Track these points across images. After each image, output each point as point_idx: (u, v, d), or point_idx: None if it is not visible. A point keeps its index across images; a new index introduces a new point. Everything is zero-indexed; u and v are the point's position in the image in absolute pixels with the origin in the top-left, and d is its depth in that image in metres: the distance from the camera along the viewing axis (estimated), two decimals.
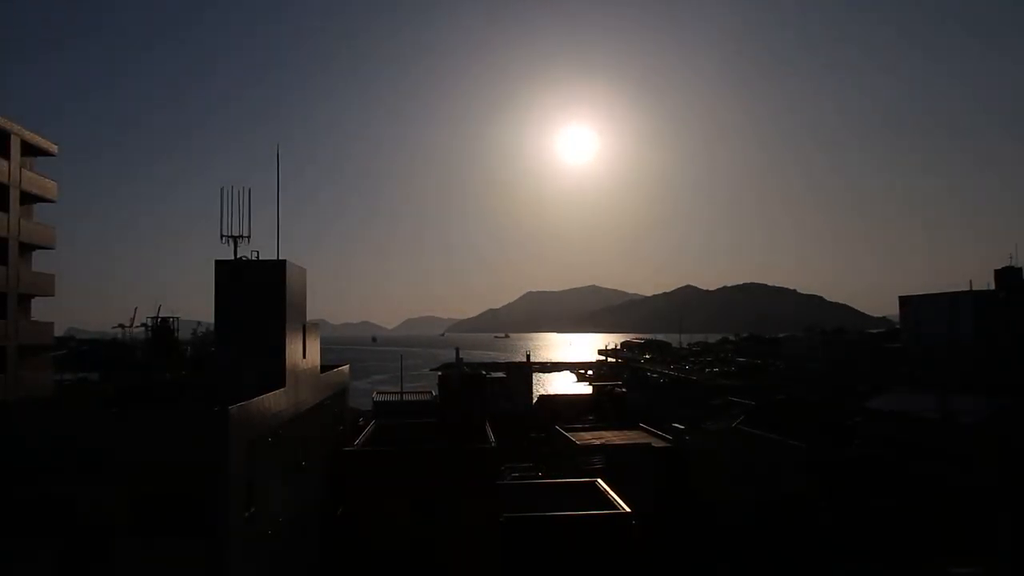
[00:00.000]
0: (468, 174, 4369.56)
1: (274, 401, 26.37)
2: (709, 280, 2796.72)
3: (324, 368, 36.53)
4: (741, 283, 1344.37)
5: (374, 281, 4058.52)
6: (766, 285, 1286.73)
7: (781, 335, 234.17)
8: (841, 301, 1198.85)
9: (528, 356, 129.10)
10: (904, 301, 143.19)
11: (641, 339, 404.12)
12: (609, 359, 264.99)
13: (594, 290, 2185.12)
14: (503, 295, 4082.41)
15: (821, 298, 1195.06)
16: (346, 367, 42.99)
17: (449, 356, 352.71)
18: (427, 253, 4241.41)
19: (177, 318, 53.95)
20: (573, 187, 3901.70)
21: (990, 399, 71.92)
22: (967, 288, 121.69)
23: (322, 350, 35.15)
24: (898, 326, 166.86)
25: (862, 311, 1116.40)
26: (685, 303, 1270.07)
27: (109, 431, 21.30)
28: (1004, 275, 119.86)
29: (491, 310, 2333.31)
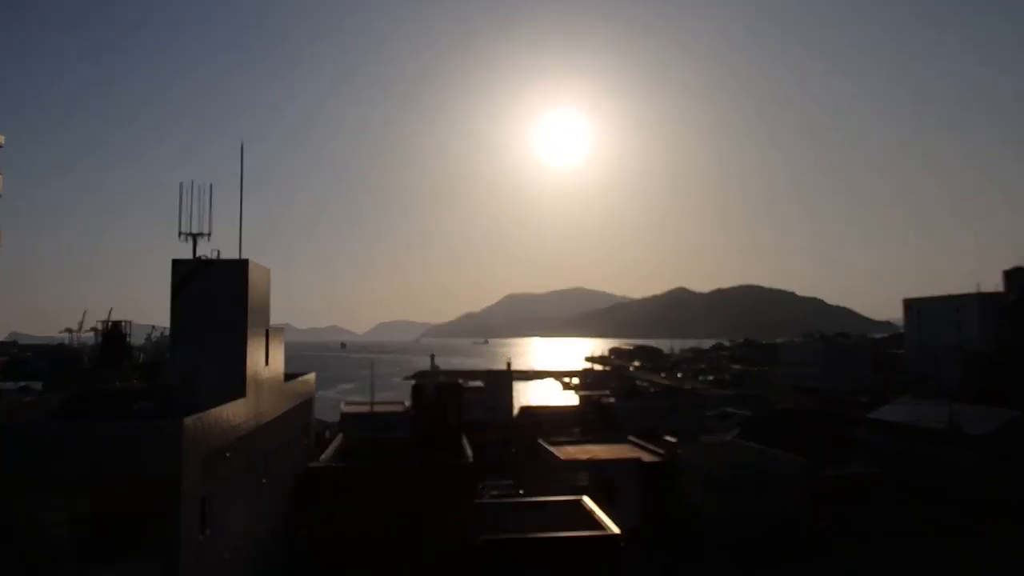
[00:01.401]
0: (444, 170, 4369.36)
1: (233, 412, 26.08)
2: (702, 282, 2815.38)
3: (288, 376, 36.22)
4: (736, 285, 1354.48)
5: (344, 283, 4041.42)
6: (762, 287, 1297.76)
7: (779, 340, 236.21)
8: (842, 304, 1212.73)
9: (509, 363, 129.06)
10: (908, 304, 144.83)
11: (630, 345, 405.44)
12: (596, 366, 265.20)
13: (580, 292, 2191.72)
14: (482, 298, 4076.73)
15: (821, 301, 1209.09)
16: (312, 375, 42.68)
17: (424, 363, 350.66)
18: (401, 253, 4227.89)
19: (130, 322, 53.26)
20: (557, 184, 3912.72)
21: (999, 409, 72.56)
22: (974, 291, 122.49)
23: (287, 356, 34.88)
24: (902, 330, 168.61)
25: (864, 314, 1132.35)
26: (677, 306, 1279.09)
27: (51, 445, 20.87)
28: (1014, 276, 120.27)
29: (469, 314, 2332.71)
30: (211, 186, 30.31)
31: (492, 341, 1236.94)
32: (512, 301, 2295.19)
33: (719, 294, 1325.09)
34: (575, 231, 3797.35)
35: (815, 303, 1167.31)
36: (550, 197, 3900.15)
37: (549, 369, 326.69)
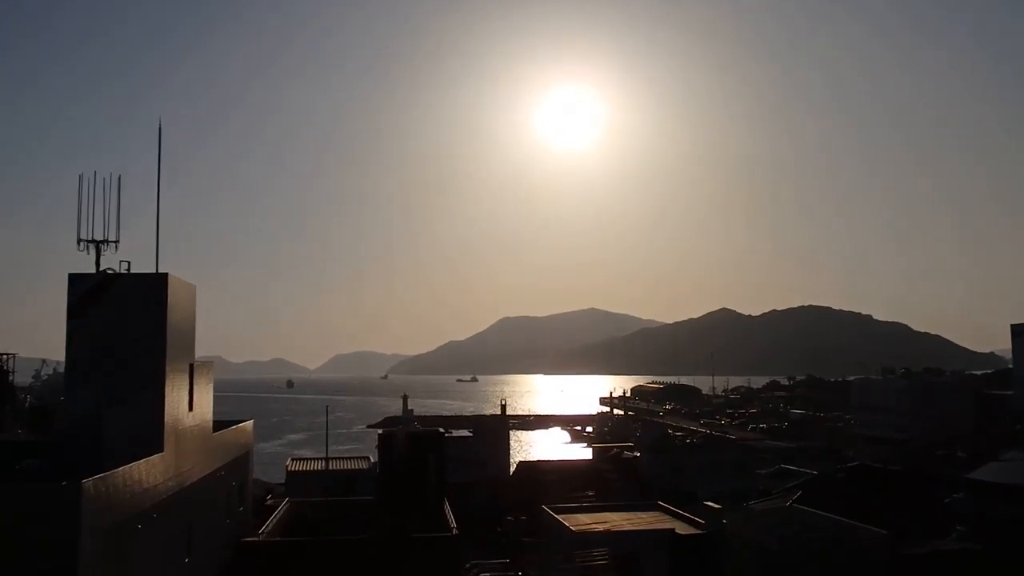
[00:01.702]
0: (421, 164, 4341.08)
1: (148, 471, 25.84)
2: (752, 302, 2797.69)
3: (219, 424, 36.00)
4: (796, 306, 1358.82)
5: (291, 305, 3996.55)
6: (830, 309, 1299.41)
7: (850, 377, 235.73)
8: (933, 331, 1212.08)
9: (504, 406, 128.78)
10: (1018, 331, 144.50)
11: (660, 383, 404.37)
12: (615, 410, 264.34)
13: (594, 315, 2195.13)
14: (469, 322, 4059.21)
15: (905, 327, 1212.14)
16: (250, 423, 42.47)
17: (394, 407, 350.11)
18: (365, 267, 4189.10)
19: (13, 355, 52.96)
20: (563, 180, 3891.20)
21: None
22: None
23: (217, 398, 34.68)
24: (1010, 365, 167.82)
25: (961, 344, 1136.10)
26: (719, 333, 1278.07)
27: None
28: None
29: (453, 343, 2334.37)
30: (119, 179, 30.04)
31: (482, 378, 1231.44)
32: (508, 327, 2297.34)
33: (774, 318, 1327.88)
34: (588, 239, 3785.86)
35: (898, 329, 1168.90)
36: (555, 196, 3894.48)
37: (555, 413, 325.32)
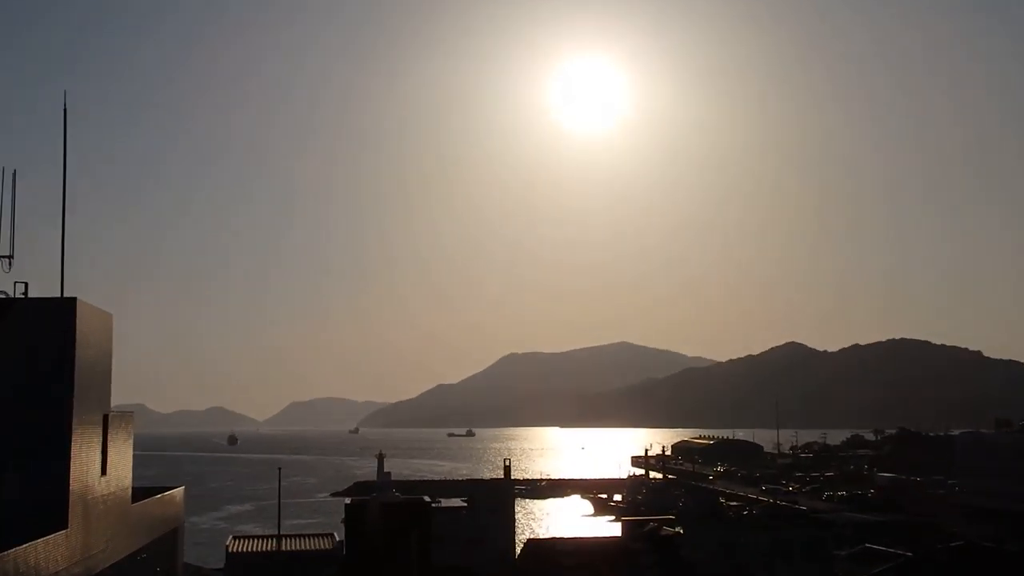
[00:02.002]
0: (400, 156, 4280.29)
1: (47, 553, 25.68)
2: (827, 335, 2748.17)
3: (141, 493, 35.83)
4: (883, 340, 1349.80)
5: (234, 341, 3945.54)
6: (928, 344, 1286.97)
7: (955, 431, 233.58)
8: None
9: (508, 468, 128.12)
10: None
11: (709, 438, 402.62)
12: (652, 474, 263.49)
13: (625, 352, 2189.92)
14: (464, 361, 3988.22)
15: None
16: (180, 491, 42.34)
17: (366, 469, 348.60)
18: (328, 292, 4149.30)
19: None
20: (586, 179, 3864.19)
21: None
22: None
23: (139, 459, 34.59)
24: None
25: None
26: (786, 375, 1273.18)
27: None
28: None
29: (443, 387, 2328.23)
30: (14, 176, 30.01)
31: (480, 432, 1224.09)
32: (513, 367, 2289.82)
33: (855, 354, 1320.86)
34: (616, 254, 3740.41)
35: (1016, 371, 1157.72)
36: (573, 200, 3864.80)
37: (574, 478, 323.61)
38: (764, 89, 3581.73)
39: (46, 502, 26.89)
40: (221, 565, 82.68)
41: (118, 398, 31.33)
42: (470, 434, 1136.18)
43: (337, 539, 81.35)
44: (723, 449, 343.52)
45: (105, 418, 30.20)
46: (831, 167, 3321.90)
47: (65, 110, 33.26)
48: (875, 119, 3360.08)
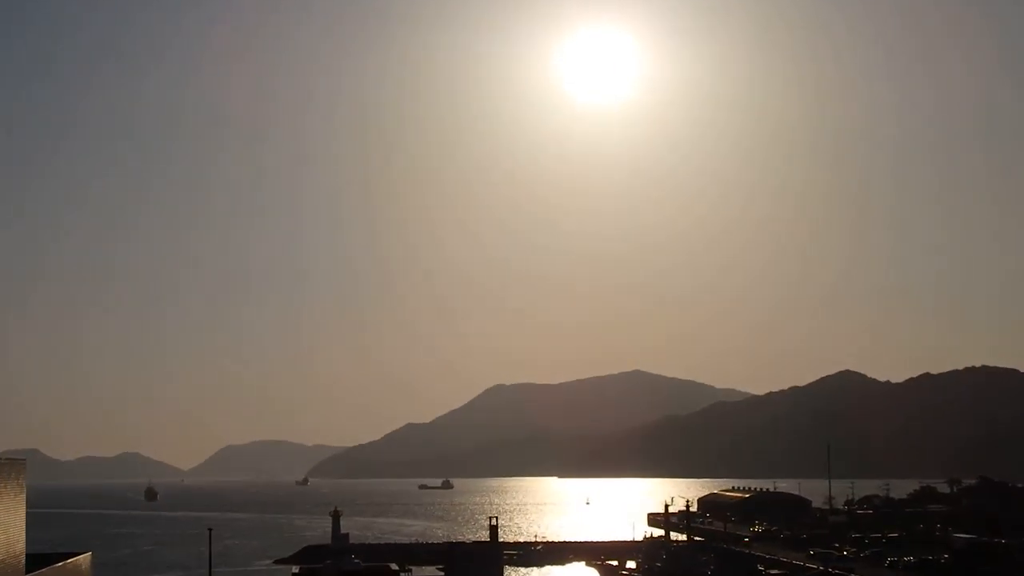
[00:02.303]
0: (362, 150, 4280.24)
1: None
2: (891, 362, 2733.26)
3: (37, 560, 35.91)
4: (960, 368, 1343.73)
5: (150, 372, 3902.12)
6: (1017, 372, 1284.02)
7: None
8: None
9: (495, 528, 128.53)
10: None
11: (745, 490, 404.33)
12: (673, 535, 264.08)
13: (639, 383, 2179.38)
14: (440, 395, 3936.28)
15: None
16: (86, 557, 42.43)
17: (319, 530, 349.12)
18: (268, 310, 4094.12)
19: None
20: (590, 173, 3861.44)
21: None
22: None
23: (35, 516, 34.57)
24: None
25: None
26: (840, 412, 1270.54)
27: None
28: None
29: (412, 427, 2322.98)
30: None
31: (460, 482, 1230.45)
32: (502, 401, 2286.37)
33: (925, 387, 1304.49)
34: (628, 265, 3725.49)
35: None
36: (575, 200, 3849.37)
37: (577, 540, 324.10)
38: (811, 65, 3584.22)
39: None
40: None
41: (5, 442, 31.16)
42: (447, 485, 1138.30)
43: None
44: (761, 504, 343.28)
45: None
46: (891, 156, 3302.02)
47: None
48: (938, 100, 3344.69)
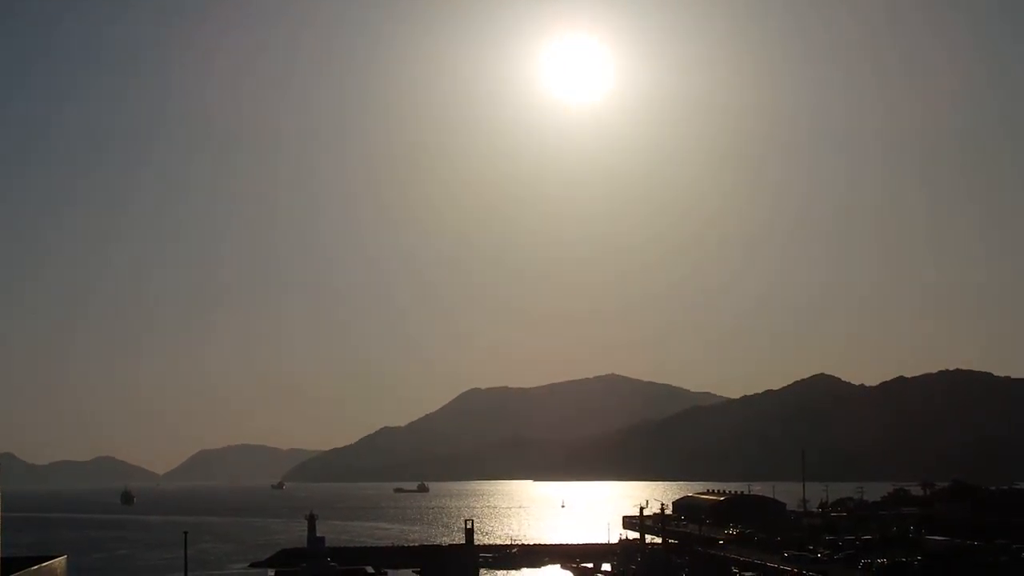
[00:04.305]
0: (329, 144, 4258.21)
1: None
2: (865, 366, 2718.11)
3: (12, 564, 35.94)
4: (934, 372, 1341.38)
5: (125, 376, 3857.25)
6: (990, 376, 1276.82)
7: (1021, 484, 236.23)
8: None
9: (470, 531, 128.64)
10: None
11: (718, 493, 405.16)
12: (648, 537, 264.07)
13: (615, 387, 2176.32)
14: (415, 398, 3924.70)
15: None
16: (61, 561, 42.45)
17: (294, 534, 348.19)
18: (239, 312, 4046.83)
19: None
20: (567, 174, 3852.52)
21: None
22: None
23: (8, 521, 34.51)
24: None
25: None
26: (814, 415, 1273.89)
27: None
28: None
29: (388, 431, 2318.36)
30: None
31: (436, 486, 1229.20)
32: (477, 405, 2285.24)
33: (899, 389, 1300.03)
34: (603, 266, 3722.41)
35: None
36: (551, 197, 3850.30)
37: (552, 543, 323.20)
38: (781, 67, 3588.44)
39: None
40: None
41: None
42: (423, 489, 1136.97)
43: None
44: (736, 507, 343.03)
45: None
46: (864, 159, 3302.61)
47: None
48: (920, 105, 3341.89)
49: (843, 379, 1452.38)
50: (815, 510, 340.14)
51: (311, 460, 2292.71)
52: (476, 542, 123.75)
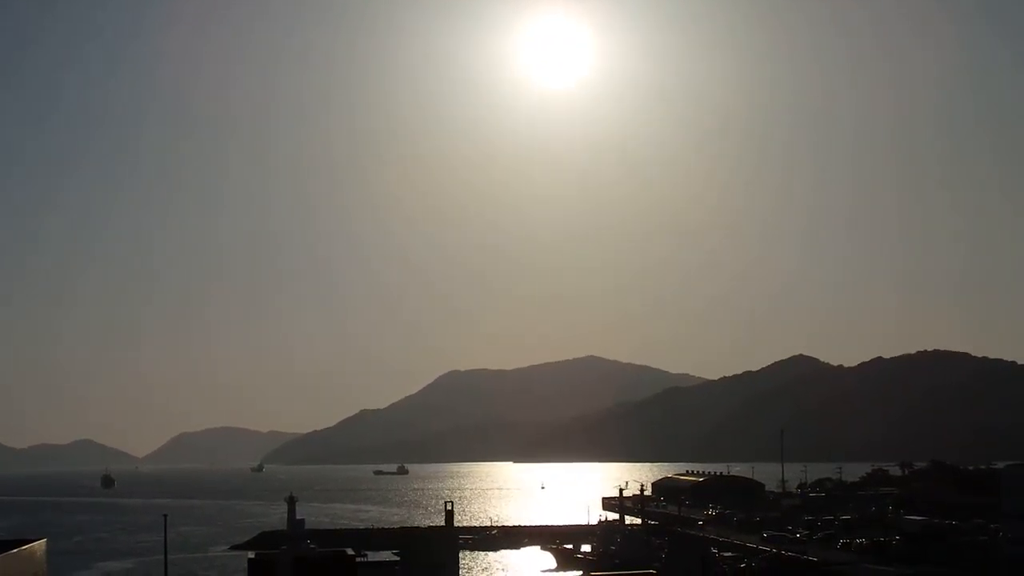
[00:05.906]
0: (306, 127, 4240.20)
1: None
2: (844, 347, 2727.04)
3: None
4: (913, 352, 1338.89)
5: (105, 358, 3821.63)
6: (968, 356, 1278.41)
7: (998, 464, 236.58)
8: None
9: (450, 513, 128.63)
10: None
11: (697, 474, 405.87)
12: (627, 518, 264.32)
13: (594, 368, 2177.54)
14: (395, 380, 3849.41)
15: None
16: (41, 544, 42.24)
17: (274, 515, 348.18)
18: (218, 296, 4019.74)
19: None
20: (546, 156, 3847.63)
21: None
22: None
23: None
24: None
25: None
26: (793, 396, 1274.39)
27: None
28: None
29: (367, 413, 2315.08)
30: None
31: (415, 468, 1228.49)
32: (456, 387, 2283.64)
33: (878, 370, 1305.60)
34: (583, 248, 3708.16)
35: None
36: (530, 179, 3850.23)
37: (531, 524, 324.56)
38: (759, 53, 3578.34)
39: None
40: None
41: None
42: (402, 471, 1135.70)
43: None
44: (715, 487, 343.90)
45: None
46: (841, 146, 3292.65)
47: None
48: (895, 95, 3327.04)
49: (822, 360, 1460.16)
50: (794, 491, 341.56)
51: (291, 443, 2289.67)
52: (456, 524, 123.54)
